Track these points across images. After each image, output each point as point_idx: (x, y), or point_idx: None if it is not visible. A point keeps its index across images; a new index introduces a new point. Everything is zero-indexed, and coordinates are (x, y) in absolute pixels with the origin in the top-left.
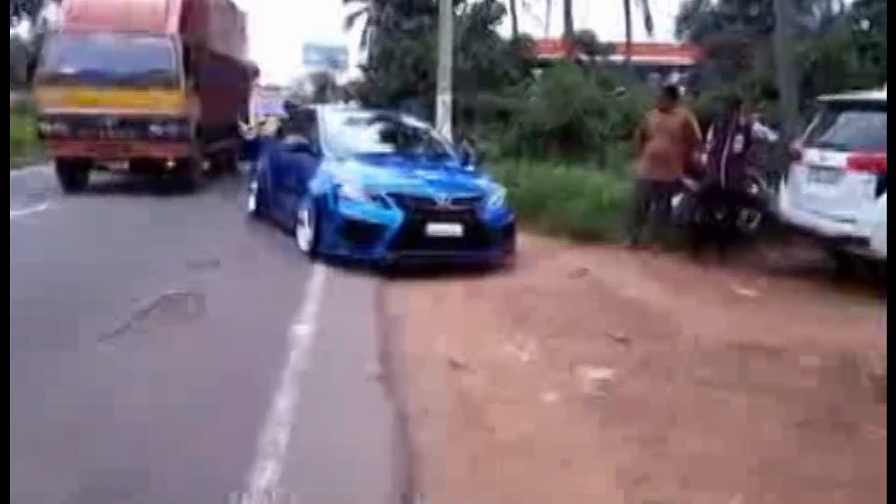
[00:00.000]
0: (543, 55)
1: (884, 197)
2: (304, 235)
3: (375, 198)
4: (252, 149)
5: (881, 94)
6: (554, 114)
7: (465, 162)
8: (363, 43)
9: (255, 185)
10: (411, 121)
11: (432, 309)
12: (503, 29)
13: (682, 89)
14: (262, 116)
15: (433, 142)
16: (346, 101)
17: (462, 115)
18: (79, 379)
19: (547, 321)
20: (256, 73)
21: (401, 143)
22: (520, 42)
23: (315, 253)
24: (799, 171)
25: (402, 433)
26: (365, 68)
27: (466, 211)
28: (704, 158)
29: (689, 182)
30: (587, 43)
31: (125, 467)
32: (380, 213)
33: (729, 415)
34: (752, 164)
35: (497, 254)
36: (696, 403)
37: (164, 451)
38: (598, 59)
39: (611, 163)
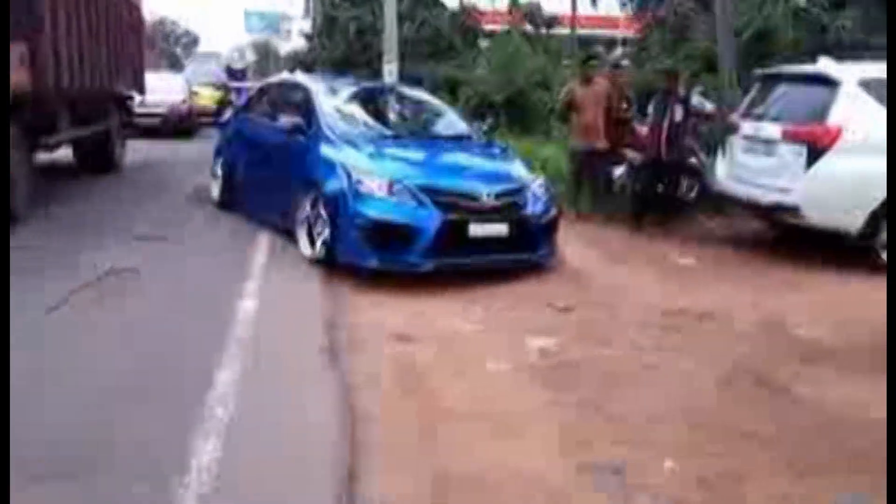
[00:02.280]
0: (489, 26)
1: (814, 167)
2: (312, 241)
3: (405, 194)
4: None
5: (813, 67)
6: (501, 85)
7: (490, 141)
8: (307, 10)
9: (219, 170)
10: (417, 93)
11: (378, 281)
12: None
13: (625, 62)
14: (197, 87)
15: (448, 119)
16: (291, 71)
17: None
18: (11, 356)
19: (491, 292)
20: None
21: (413, 121)
22: (466, 11)
23: (331, 263)
24: (735, 143)
25: (345, 403)
26: (308, 37)
27: (511, 206)
28: (645, 130)
29: (630, 153)
30: (533, 14)
31: (61, 447)
32: (413, 214)
33: (664, 377)
34: (691, 135)
35: (545, 255)
36: (634, 368)
37: (101, 429)
38: (544, 30)
39: (556, 135)
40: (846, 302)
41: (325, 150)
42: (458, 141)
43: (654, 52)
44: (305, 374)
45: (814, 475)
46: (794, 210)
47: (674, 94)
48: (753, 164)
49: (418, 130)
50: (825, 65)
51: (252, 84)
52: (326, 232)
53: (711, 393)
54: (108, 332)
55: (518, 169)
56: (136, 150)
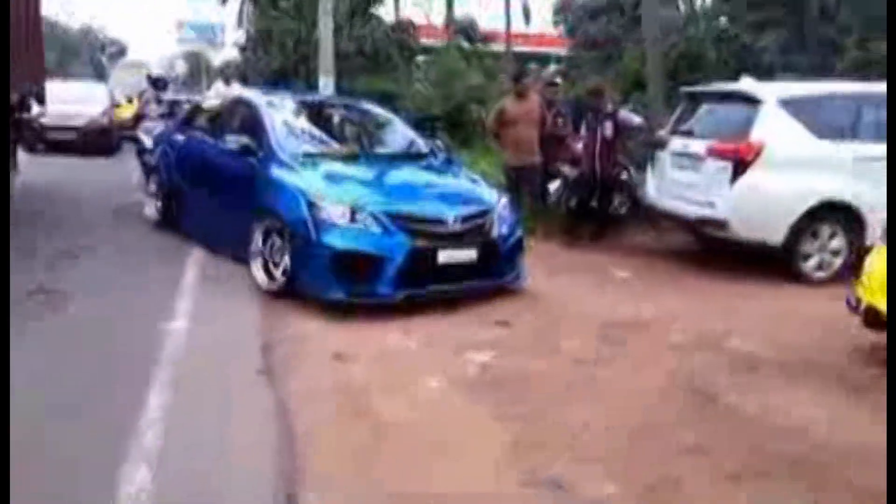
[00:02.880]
0: (426, 41)
1: (738, 182)
2: (269, 272)
3: (369, 221)
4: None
5: (735, 86)
6: (439, 100)
7: (449, 159)
8: (240, 21)
9: (155, 188)
10: (369, 107)
11: (311, 300)
12: (385, 12)
13: (559, 79)
14: (123, 99)
15: (404, 135)
16: (227, 82)
17: None
18: None
19: (432, 308)
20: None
21: (368, 138)
22: (402, 26)
23: (291, 293)
24: (664, 159)
25: (282, 425)
26: (242, 48)
27: (478, 230)
28: (579, 146)
29: (565, 169)
30: (468, 30)
31: None
32: (380, 242)
33: (602, 389)
34: (621, 151)
35: (514, 279)
36: (574, 380)
37: (28, 456)
38: (480, 46)
39: (495, 149)
40: (774, 312)
41: (278, 173)
42: (418, 159)
43: (585, 69)
44: (240, 396)
45: (747, 482)
46: (720, 224)
47: (602, 111)
48: (681, 180)
49: (374, 148)
50: (747, 84)
51: (185, 97)
52: (286, 262)
53: (648, 404)
54: (31, 359)
55: (481, 189)
56: (43, 168)
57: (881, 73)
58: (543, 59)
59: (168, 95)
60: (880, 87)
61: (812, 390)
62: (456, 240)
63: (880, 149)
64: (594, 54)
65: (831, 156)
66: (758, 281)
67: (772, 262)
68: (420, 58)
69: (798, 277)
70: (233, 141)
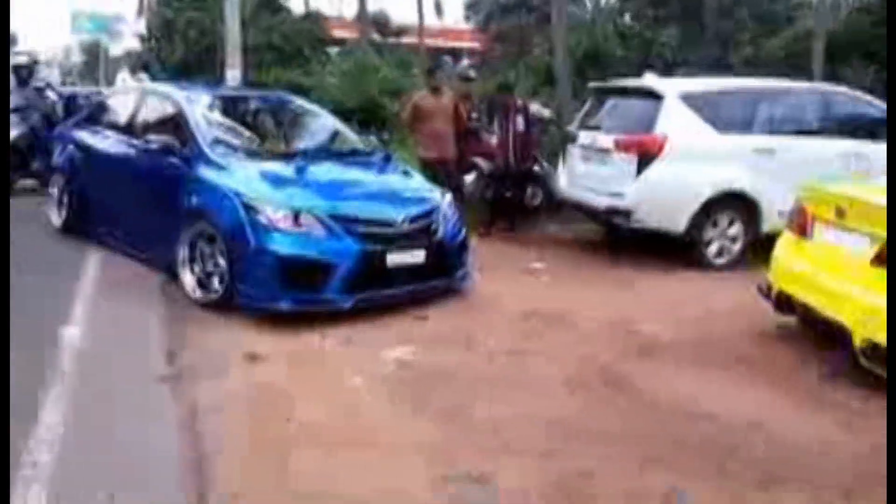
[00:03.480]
0: (338, 33)
1: (643, 174)
2: (200, 282)
3: (314, 224)
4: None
5: (639, 81)
6: (352, 93)
7: (387, 156)
8: (140, 11)
9: (55, 190)
10: (297, 101)
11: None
12: (295, 4)
13: (472, 73)
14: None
15: (337, 131)
16: (133, 73)
17: None
18: None
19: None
20: None
21: (300, 135)
22: (312, 18)
23: (229, 305)
24: (574, 152)
25: (191, 434)
26: (144, 38)
27: (424, 231)
28: (493, 140)
29: (480, 162)
30: (380, 24)
31: None
32: (326, 246)
33: (518, 382)
34: (534, 144)
35: (461, 279)
36: (490, 373)
37: None
38: (392, 40)
39: (410, 144)
40: (679, 297)
41: (207, 174)
42: (355, 157)
43: (497, 64)
44: (144, 406)
45: (655, 469)
46: (627, 213)
47: (513, 106)
48: (590, 172)
49: (309, 146)
50: (650, 79)
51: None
52: (222, 271)
53: (562, 394)
54: None
55: (424, 187)
56: None
57: (770, 69)
58: (456, 53)
59: (55, 87)
60: (774, 84)
61: (710, 374)
62: (404, 241)
63: (774, 141)
64: (505, 49)
65: (729, 148)
66: (663, 267)
67: (675, 250)
68: (332, 50)
69: (700, 263)
70: (153, 139)
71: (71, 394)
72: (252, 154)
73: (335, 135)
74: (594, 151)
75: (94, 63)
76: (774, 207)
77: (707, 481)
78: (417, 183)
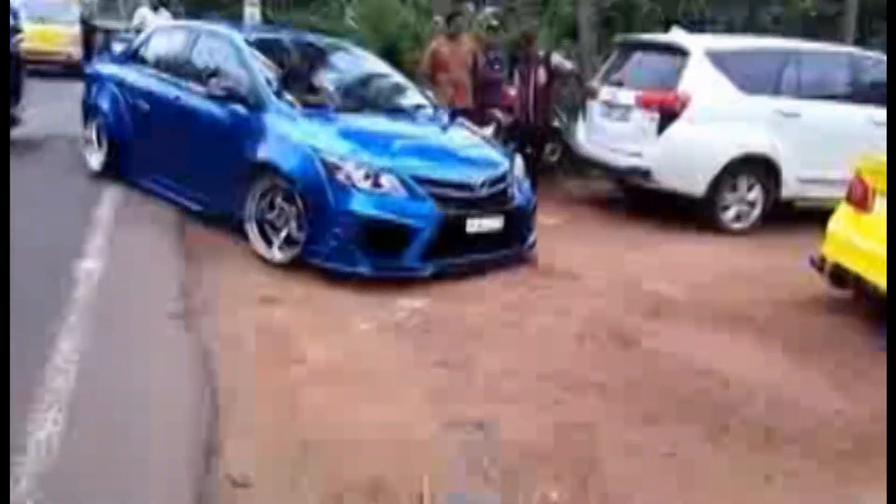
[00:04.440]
0: None
1: (664, 133)
2: (268, 239)
3: (396, 185)
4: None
5: (666, 37)
6: (372, 37)
7: (453, 114)
8: None
9: (95, 135)
10: (358, 51)
11: (237, 241)
12: None
13: (495, 22)
14: (30, 22)
15: (400, 85)
16: (155, 10)
17: None
18: None
19: None
20: None
21: (365, 87)
22: None
23: (305, 262)
24: (594, 107)
25: (202, 370)
26: None
27: (501, 195)
28: (513, 92)
29: (498, 115)
30: None
31: None
32: (408, 209)
33: (528, 334)
34: (554, 98)
35: (531, 247)
36: (500, 325)
37: None
38: None
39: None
40: (695, 260)
41: (277, 126)
42: (422, 113)
43: (520, 13)
44: (158, 340)
45: (658, 424)
46: (645, 173)
47: (535, 58)
48: (610, 129)
49: (376, 100)
50: (677, 35)
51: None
52: (293, 229)
53: (568, 348)
54: None
55: (495, 150)
56: None
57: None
58: (479, 2)
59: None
60: (802, 45)
61: (718, 335)
62: (483, 206)
63: (798, 104)
64: None
65: (753, 110)
66: (679, 230)
67: (692, 211)
68: None
69: (717, 227)
70: (212, 83)
71: (87, 326)
72: (321, 107)
73: (397, 88)
74: (615, 107)
75: None
76: (795, 173)
77: (707, 441)
78: (486, 143)
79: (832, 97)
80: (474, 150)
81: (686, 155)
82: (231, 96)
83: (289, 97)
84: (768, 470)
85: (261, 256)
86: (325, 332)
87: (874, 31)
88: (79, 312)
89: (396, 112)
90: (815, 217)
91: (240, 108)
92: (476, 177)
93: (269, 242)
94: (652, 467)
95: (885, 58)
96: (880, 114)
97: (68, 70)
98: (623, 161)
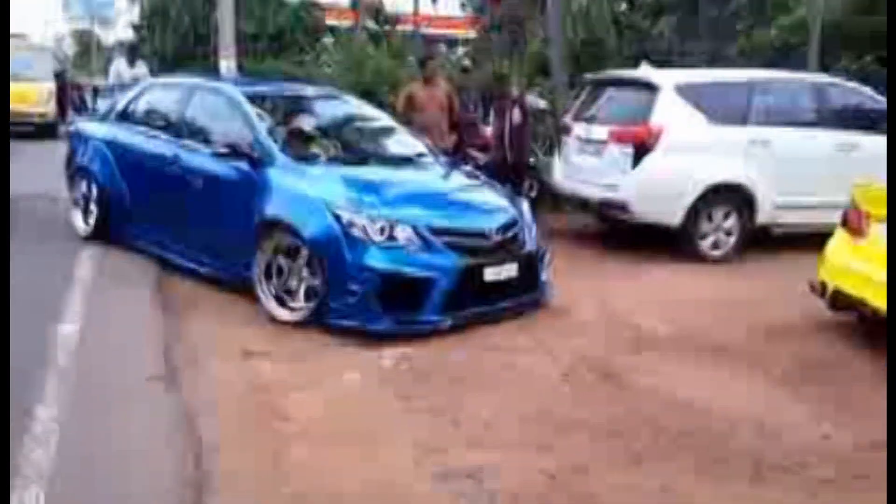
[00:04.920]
0: (332, 21)
1: (639, 166)
2: (280, 299)
3: (411, 237)
4: None
5: (635, 73)
6: (349, 84)
7: (453, 162)
8: None
9: (81, 196)
10: (353, 101)
11: (219, 294)
12: None
13: (467, 62)
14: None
15: (397, 133)
16: (131, 63)
17: None
18: None
19: None
20: None
21: (363, 138)
22: (307, 7)
23: (321, 323)
24: (569, 143)
25: (186, 432)
26: (137, 27)
27: (513, 241)
28: (488, 132)
29: (476, 154)
30: (375, 11)
31: None
32: (427, 262)
33: (513, 375)
34: (529, 135)
35: (547, 292)
36: (485, 368)
37: None
38: (387, 28)
39: None
40: (675, 291)
41: (283, 180)
42: (427, 163)
43: (492, 53)
44: (139, 404)
45: (648, 461)
46: (622, 206)
47: (509, 98)
48: (585, 164)
49: (378, 150)
50: (646, 70)
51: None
52: (309, 287)
53: (556, 388)
54: None
55: (501, 194)
56: None
57: (765, 59)
58: (451, 42)
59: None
60: (769, 74)
61: (703, 368)
62: (498, 254)
63: (768, 132)
64: (501, 38)
65: (724, 140)
66: (658, 260)
67: (670, 242)
68: (326, 39)
69: (696, 256)
70: (213, 140)
71: (66, 391)
72: (325, 160)
73: (395, 136)
74: (589, 143)
75: (87, 54)
76: (769, 199)
77: (698, 475)
78: (493, 190)
79: (800, 124)
80: (481, 195)
81: (661, 187)
82: (235, 153)
83: (293, 151)
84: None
85: (242, 308)
86: (309, 386)
87: (836, 59)
88: (57, 380)
89: (399, 161)
90: (791, 242)
91: (243, 165)
92: (489, 224)
93: (280, 302)
94: None
95: (848, 84)
96: (847, 137)
97: (42, 131)
98: (600, 195)
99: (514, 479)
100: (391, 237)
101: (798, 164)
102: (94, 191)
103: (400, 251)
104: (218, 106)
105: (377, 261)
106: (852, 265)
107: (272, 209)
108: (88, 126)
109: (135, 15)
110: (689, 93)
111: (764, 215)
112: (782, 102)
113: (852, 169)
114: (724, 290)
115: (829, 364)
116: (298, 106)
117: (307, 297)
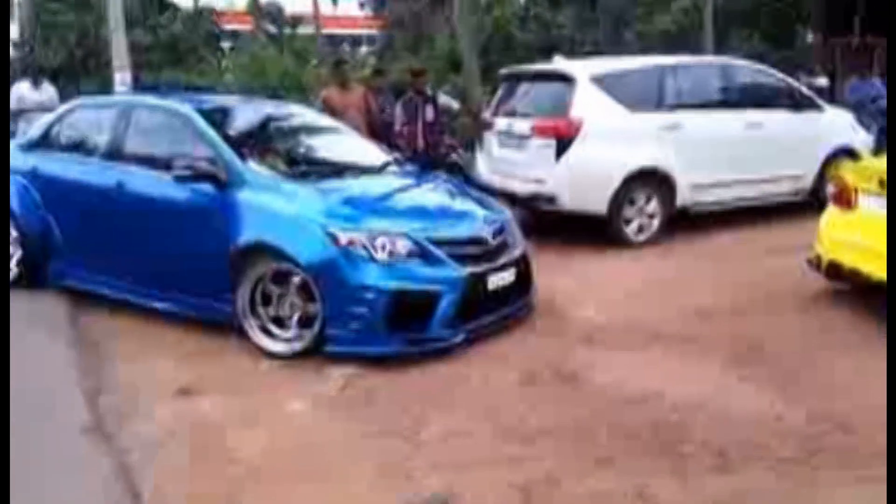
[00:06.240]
0: (230, 26)
1: (563, 158)
2: (268, 333)
3: (412, 250)
4: None
5: (550, 66)
6: (253, 89)
7: (423, 166)
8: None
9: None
10: (302, 110)
11: (140, 328)
12: None
13: (372, 60)
14: None
15: (352, 141)
16: (35, 84)
17: None
18: None
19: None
20: None
21: (330, 149)
22: (204, 13)
23: (315, 354)
24: (491, 139)
25: (123, 488)
26: (17, 44)
27: (506, 247)
28: (398, 127)
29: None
30: (274, 14)
31: None
32: (431, 275)
33: (469, 387)
34: (447, 132)
35: (534, 297)
36: (440, 381)
37: None
38: (287, 30)
39: None
40: (609, 279)
41: (262, 200)
42: (396, 170)
43: (398, 51)
44: (70, 462)
45: (615, 464)
46: (550, 199)
47: (423, 94)
48: (510, 158)
49: (344, 161)
50: (560, 63)
51: None
52: (303, 315)
53: (515, 396)
54: None
55: (482, 198)
56: None
57: (662, 43)
58: (355, 41)
59: None
60: (678, 59)
61: (647, 358)
62: (498, 260)
63: (681, 116)
64: (403, 35)
65: (640, 126)
66: (585, 248)
67: (597, 229)
68: (225, 45)
69: (622, 241)
70: (174, 164)
71: None
72: (295, 175)
73: (357, 145)
74: (512, 137)
75: None
76: (686, 181)
77: (669, 475)
78: (471, 196)
79: (710, 105)
80: (467, 201)
81: (585, 176)
82: (196, 175)
83: (260, 168)
84: (738, 494)
85: (166, 338)
86: (255, 420)
87: (730, 41)
88: None
89: (372, 171)
90: (709, 220)
91: (206, 188)
92: (486, 230)
93: (270, 335)
94: None
95: (751, 64)
96: (754, 115)
97: None
98: (526, 188)
99: (483, 498)
100: (392, 252)
101: (710, 144)
102: (14, 230)
103: (403, 267)
104: (166, 125)
105: (381, 279)
106: (844, 237)
107: (252, 233)
108: None
109: (14, 31)
110: (604, 83)
111: (683, 197)
112: (692, 86)
113: (758, 146)
114: (655, 273)
115: (765, 342)
116: (252, 119)
117: (301, 325)
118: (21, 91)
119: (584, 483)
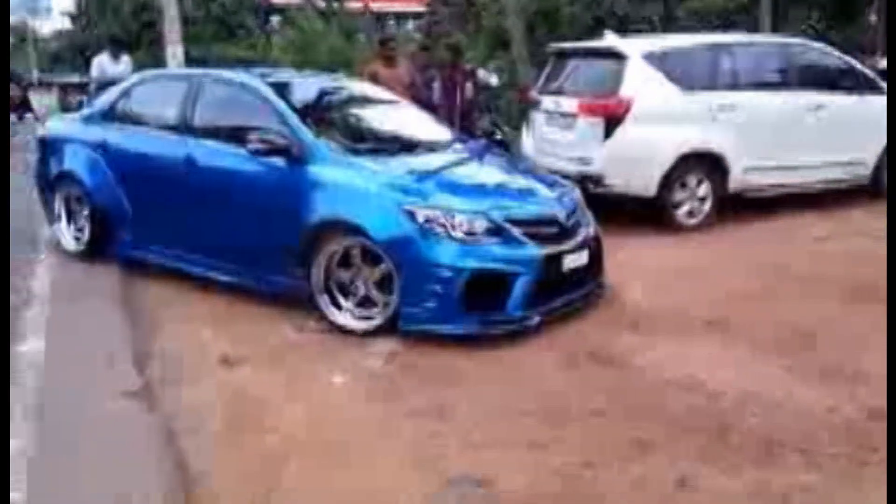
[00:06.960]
0: (279, 2)
1: (611, 138)
2: (336, 304)
3: (491, 230)
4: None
5: (601, 43)
6: (301, 66)
7: (487, 144)
8: None
9: (60, 205)
10: (362, 86)
11: (191, 297)
12: None
13: (417, 36)
14: None
15: (417, 118)
16: (115, 57)
17: None
18: None
19: None
20: None
21: (395, 124)
22: None
23: (391, 329)
24: (538, 118)
25: (169, 455)
26: (73, 17)
27: (579, 226)
28: (435, 101)
29: None
30: None
31: None
32: (509, 254)
33: (509, 367)
34: (491, 110)
35: (606, 279)
36: (477, 361)
37: None
38: (336, 5)
39: None
40: (656, 263)
41: (336, 175)
42: (463, 147)
43: (444, 26)
44: (114, 426)
45: (655, 451)
46: (597, 179)
47: (461, 71)
48: (556, 138)
49: (411, 138)
50: (612, 40)
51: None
52: (378, 291)
53: (554, 378)
54: None
55: (556, 181)
56: None
57: (718, 19)
58: (400, 16)
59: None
60: (735, 38)
61: (699, 345)
62: (572, 241)
63: (735, 96)
64: (451, 10)
65: (694, 106)
66: (636, 231)
67: (647, 212)
68: (275, 19)
69: (672, 225)
70: (253, 139)
71: (32, 423)
72: (365, 150)
73: (419, 119)
74: (559, 116)
75: (22, 47)
76: (740, 164)
77: (711, 463)
78: (538, 174)
79: (767, 86)
80: (539, 180)
81: (634, 157)
82: (271, 149)
83: (333, 144)
84: (782, 489)
85: (211, 308)
86: (295, 392)
87: (788, 20)
88: (22, 406)
89: (439, 148)
90: (763, 205)
91: (280, 162)
92: (561, 209)
93: (344, 311)
94: (664, 502)
95: (811, 44)
96: (813, 97)
97: None
98: (573, 168)
99: (518, 481)
100: (470, 231)
101: (766, 127)
102: (85, 202)
103: (482, 246)
104: (236, 99)
105: (458, 258)
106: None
107: (328, 209)
108: (67, 128)
109: (71, 3)
110: (657, 60)
111: (736, 180)
112: (748, 65)
113: (818, 129)
114: (704, 258)
115: (817, 331)
116: (318, 94)
117: (375, 303)
118: (102, 63)
119: (622, 468)
